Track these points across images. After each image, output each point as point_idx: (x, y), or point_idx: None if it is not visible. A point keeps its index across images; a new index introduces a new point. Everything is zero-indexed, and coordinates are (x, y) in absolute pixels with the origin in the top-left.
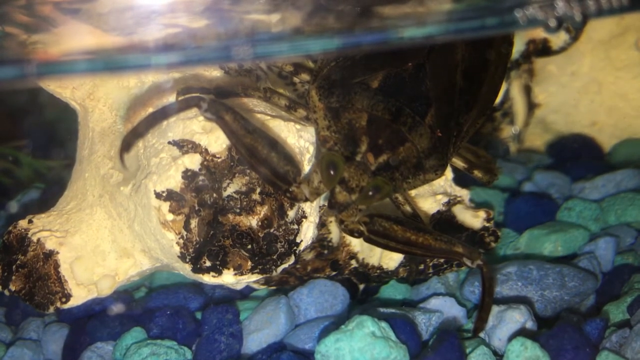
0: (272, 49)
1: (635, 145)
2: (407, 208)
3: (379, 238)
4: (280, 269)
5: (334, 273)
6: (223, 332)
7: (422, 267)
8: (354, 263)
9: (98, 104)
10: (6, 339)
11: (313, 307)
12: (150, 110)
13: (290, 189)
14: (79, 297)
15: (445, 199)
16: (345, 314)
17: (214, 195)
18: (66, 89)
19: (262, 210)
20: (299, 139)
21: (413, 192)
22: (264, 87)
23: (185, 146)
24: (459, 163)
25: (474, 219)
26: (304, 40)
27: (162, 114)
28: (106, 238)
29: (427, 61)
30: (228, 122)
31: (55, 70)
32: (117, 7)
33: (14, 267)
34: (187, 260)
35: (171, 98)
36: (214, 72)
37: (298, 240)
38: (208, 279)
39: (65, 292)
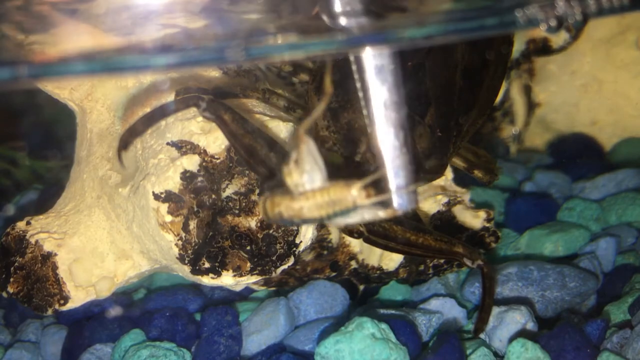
0: (270, 49)
1: (636, 145)
2: None
3: (378, 239)
4: (279, 270)
5: (333, 274)
6: (222, 333)
7: (422, 267)
8: (353, 264)
9: (96, 105)
10: (4, 341)
11: (313, 308)
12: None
13: None
14: (77, 299)
15: (445, 199)
16: (345, 315)
17: (213, 196)
18: (64, 90)
19: None
20: None
21: None
22: (263, 87)
23: (183, 147)
24: (459, 163)
25: (474, 219)
26: (303, 41)
27: (161, 113)
28: (104, 240)
29: (426, 61)
30: (227, 122)
31: (53, 72)
32: (113, 8)
33: (11, 269)
34: (186, 261)
35: (169, 98)
36: (212, 73)
37: (297, 241)
38: (207, 280)
39: (64, 294)
